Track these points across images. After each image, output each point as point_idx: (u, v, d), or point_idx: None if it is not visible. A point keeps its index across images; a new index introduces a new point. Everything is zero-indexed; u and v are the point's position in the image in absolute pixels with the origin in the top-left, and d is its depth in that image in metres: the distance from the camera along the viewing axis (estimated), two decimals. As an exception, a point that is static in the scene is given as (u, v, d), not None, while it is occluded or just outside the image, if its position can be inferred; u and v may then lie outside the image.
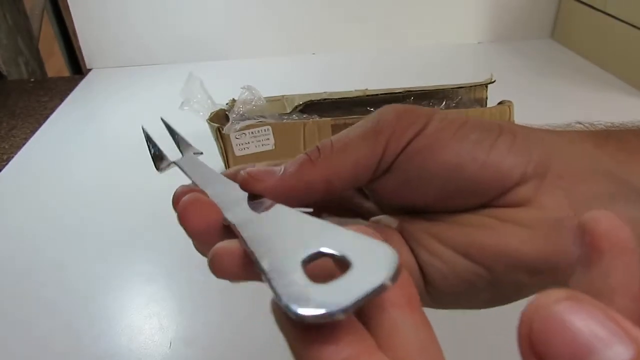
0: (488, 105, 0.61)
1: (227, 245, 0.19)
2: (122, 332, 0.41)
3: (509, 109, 0.57)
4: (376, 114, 0.21)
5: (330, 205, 0.24)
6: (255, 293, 0.45)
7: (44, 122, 0.76)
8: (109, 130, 0.74)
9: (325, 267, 0.16)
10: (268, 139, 0.56)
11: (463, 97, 0.61)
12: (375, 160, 0.20)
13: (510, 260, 0.19)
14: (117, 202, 0.58)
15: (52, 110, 0.79)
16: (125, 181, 0.61)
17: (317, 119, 0.57)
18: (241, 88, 0.59)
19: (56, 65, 1.00)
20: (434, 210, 0.21)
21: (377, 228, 0.22)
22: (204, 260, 0.52)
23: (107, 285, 0.46)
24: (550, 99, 0.78)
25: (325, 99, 0.60)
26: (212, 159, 0.61)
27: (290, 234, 0.18)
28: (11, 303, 0.44)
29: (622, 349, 0.10)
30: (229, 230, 0.20)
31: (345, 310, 0.13)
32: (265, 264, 0.16)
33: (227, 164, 0.57)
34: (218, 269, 0.18)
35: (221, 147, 0.58)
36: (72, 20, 0.93)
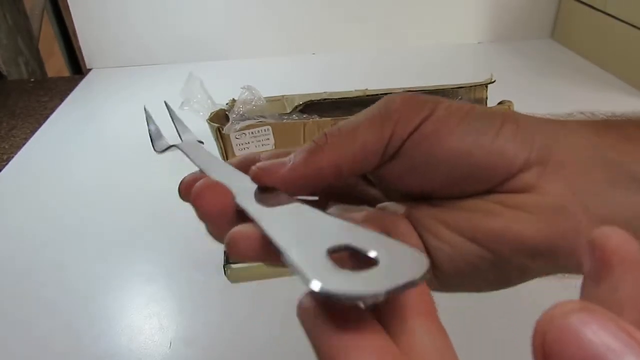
0: (488, 105, 0.61)
1: (244, 229, 0.19)
2: (122, 332, 0.41)
3: (509, 109, 0.57)
4: (383, 101, 0.22)
5: (337, 193, 0.25)
6: (255, 293, 0.45)
7: (44, 122, 0.76)
8: (109, 130, 0.74)
9: (349, 262, 0.16)
10: (268, 139, 0.56)
11: (463, 97, 0.61)
12: (382, 146, 0.21)
13: (514, 243, 0.19)
14: (117, 202, 0.58)
15: (52, 110, 0.79)
16: (125, 181, 0.61)
17: (317, 119, 0.57)
18: (241, 88, 0.59)
19: (56, 65, 1.00)
20: (440, 196, 0.22)
21: (385, 214, 0.22)
22: (204, 260, 0.52)
23: (107, 285, 0.46)
24: (550, 99, 0.78)
25: (325, 99, 0.60)
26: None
27: (312, 227, 0.18)
28: (11, 303, 0.44)
29: None
30: (242, 215, 0.20)
31: (376, 296, 0.14)
32: (290, 251, 0.16)
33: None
34: (236, 251, 0.19)
35: (221, 147, 0.58)
36: (72, 20, 0.93)
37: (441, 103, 0.21)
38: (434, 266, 0.21)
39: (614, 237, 0.14)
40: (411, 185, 0.22)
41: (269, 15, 0.96)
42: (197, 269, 0.47)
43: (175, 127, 0.29)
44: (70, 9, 0.92)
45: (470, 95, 0.62)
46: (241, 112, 0.57)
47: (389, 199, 0.24)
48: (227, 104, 0.61)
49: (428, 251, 0.21)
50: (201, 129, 0.55)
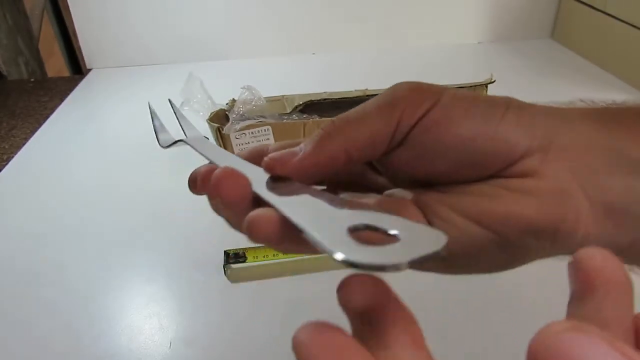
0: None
1: (262, 212, 0.19)
2: (122, 332, 0.41)
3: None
4: (390, 89, 0.22)
5: (344, 181, 0.25)
6: (255, 293, 0.45)
7: (44, 122, 0.76)
8: (109, 130, 0.74)
9: (369, 240, 0.16)
10: (268, 139, 0.56)
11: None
12: (390, 132, 0.21)
13: (519, 225, 0.20)
14: (117, 202, 0.58)
15: (52, 110, 0.79)
16: (125, 181, 0.61)
17: (317, 119, 0.58)
18: (241, 88, 0.59)
19: (56, 65, 1.00)
20: (445, 181, 0.22)
21: (393, 200, 0.23)
22: (204, 260, 0.52)
23: (107, 285, 0.46)
24: (550, 99, 0.78)
25: (325, 99, 0.60)
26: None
27: (330, 209, 0.19)
28: (11, 303, 0.44)
29: None
30: (259, 201, 0.20)
31: (399, 265, 0.14)
32: (312, 228, 0.16)
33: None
34: (256, 234, 0.19)
35: (221, 147, 0.58)
36: (72, 20, 0.93)
37: (446, 91, 0.22)
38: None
39: (598, 258, 0.15)
40: (417, 172, 0.23)
41: (269, 15, 0.96)
42: (197, 269, 0.47)
43: (180, 124, 0.29)
44: (70, 9, 0.92)
45: (470, 95, 0.61)
46: (241, 112, 0.57)
47: (396, 185, 0.24)
48: (227, 104, 0.61)
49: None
50: (201, 129, 0.55)
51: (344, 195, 0.24)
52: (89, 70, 0.96)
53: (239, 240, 0.48)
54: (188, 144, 0.27)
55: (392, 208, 0.22)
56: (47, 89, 0.88)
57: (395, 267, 0.14)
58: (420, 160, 0.22)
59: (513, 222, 0.20)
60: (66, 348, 0.40)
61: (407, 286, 0.50)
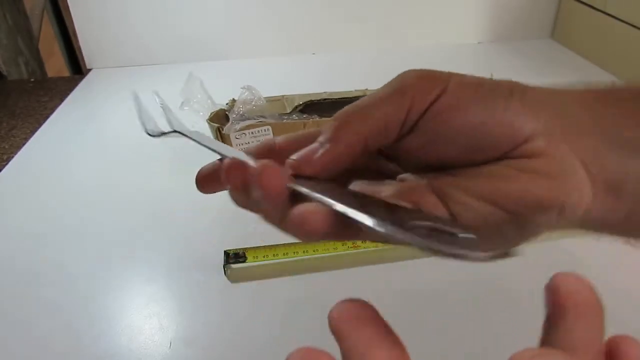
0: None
1: (309, 207, 0.19)
2: (122, 332, 0.41)
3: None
4: (399, 77, 0.23)
5: (355, 169, 0.26)
6: (255, 293, 0.45)
7: (44, 122, 0.76)
8: (109, 130, 0.74)
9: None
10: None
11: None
12: (402, 119, 0.22)
13: (531, 204, 0.21)
14: (117, 202, 0.58)
15: (52, 110, 0.79)
16: (125, 181, 0.61)
17: (317, 119, 0.58)
18: (241, 88, 0.59)
19: (56, 65, 1.00)
20: (455, 165, 0.23)
21: (411, 188, 0.23)
22: (204, 260, 0.52)
23: (107, 285, 0.46)
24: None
25: (325, 99, 0.60)
26: (213, 158, 0.61)
27: (371, 204, 0.20)
28: (11, 303, 0.44)
29: None
30: (295, 195, 0.21)
31: (480, 258, 0.16)
32: (378, 226, 0.17)
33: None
34: (308, 228, 0.19)
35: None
36: (72, 20, 0.93)
37: (453, 77, 0.23)
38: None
39: (569, 282, 0.16)
40: (428, 157, 0.23)
41: (269, 15, 0.96)
42: (197, 269, 0.47)
43: (167, 119, 0.29)
44: (70, 9, 0.92)
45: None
46: (241, 112, 0.57)
47: (405, 170, 0.25)
48: (227, 104, 0.61)
49: (452, 217, 0.22)
50: (201, 129, 0.55)
51: (356, 184, 0.25)
52: (89, 70, 0.96)
53: (239, 240, 0.48)
54: (186, 136, 0.27)
55: (413, 197, 0.22)
56: (47, 89, 0.88)
57: (477, 258, 0.15)
58: (431, 146, 0.23)
59: (526, 202, 0.21)
60: (66, 348, 0.40)
61: (407, 286, 0.50)
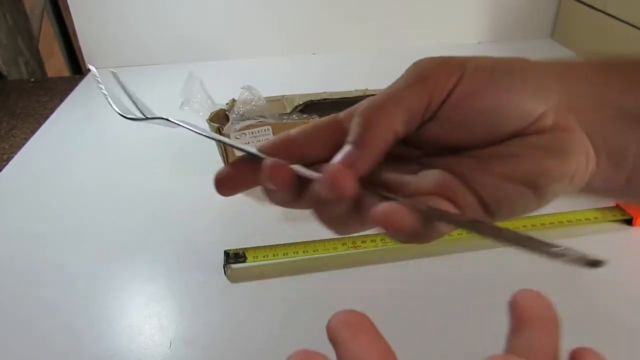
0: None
1: (391, 206, 0.21)
2: (122, 332, 0.41)
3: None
4: (415, 67, 0.24)
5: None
6: (255, 293, 0.45)
7: (44, 122, 0.76)
8: (109, 130, 0.74)
9: None
10: (268, 139, 0.56)
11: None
12: (424, 107, 0.23)
13: (549, 177, 0.23)
14: (117, 202, 0.58)
15: (52, 110, 0.79)
16: (125, 181, 0.61)
17: (317, 119, 0.57)
18: (241, 88, 0.59)
19: (56, 65, 1.00)
20: (472, 146, 0.24)
21: (441, 180, 0.24)
22: (204, 260, 0.52)
23: (107, 285, 0.46)
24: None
25: (325, 99, 0.60)
26: (213, 158, 0.61)
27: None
28: (11, 303, 0.44)
29: None
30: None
31: (579, 259, 0.18)
32: (473, 229, 0.20)
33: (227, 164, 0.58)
34: (395, 226, 0.20)
35: (221, 147, 0.58)
36: (72, 20, 0.93)
37: (469, 62, 0.23)
38: (486, 210, 0.24)
39: (529, 298, 0.19)
40: (446, 141, 0.24)
41: (269, 15, 0.96)
42: (197, 269, 0.47)
43: (136, 105, 0.29)
44: (70, 9, 0.92)
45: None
46: (241, 112, 0.57)
47: (426, 155, 0.26)
48: (227, 104, 0.61)
49: (478, 198, 0.23)
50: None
51: (383, 171, 0.25)
52: (89, 70, 0.96)
53: (239, 240, 0.48)
54: (174, 123, 0.26)
55: (450, 193, 0.23)
56: (47, 89, 0.88)
57: (576, 259, 0.18)
58: (450, 131, 0.24)
59: (545, 176, 0.23)
60: (66, 348, 0.40)
61: (407, 286, 0.50)
